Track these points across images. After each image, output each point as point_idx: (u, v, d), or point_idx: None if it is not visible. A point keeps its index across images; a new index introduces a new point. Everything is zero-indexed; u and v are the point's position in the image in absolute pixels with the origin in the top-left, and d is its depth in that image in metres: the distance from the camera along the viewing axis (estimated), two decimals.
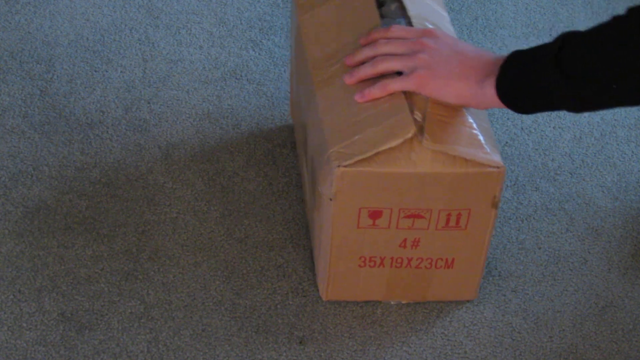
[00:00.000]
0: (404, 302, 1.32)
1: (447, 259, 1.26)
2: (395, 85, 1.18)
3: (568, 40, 1.08)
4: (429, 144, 1.15)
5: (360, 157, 1.15)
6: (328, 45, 1.28)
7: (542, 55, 1.10)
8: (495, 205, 1.20)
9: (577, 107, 1.11)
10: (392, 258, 1.25)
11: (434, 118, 1.17)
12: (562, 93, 1.08)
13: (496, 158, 1.17)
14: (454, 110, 1.18)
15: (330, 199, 1.18)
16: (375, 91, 1.19)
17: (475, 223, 1.21)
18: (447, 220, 1.21)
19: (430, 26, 1.26)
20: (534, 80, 1.11)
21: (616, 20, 1.04)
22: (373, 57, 1.21)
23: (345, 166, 1.15)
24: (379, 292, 1.30)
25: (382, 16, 1.28)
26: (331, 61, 1.26)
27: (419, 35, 1.20)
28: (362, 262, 1.26)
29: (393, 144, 1.15)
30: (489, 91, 1.14)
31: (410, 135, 1.15)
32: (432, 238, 1.23)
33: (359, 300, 1.32)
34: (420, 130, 1.16)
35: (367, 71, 1.21)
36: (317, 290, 1.34)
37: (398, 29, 1.22)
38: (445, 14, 1.34)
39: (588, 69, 1.06)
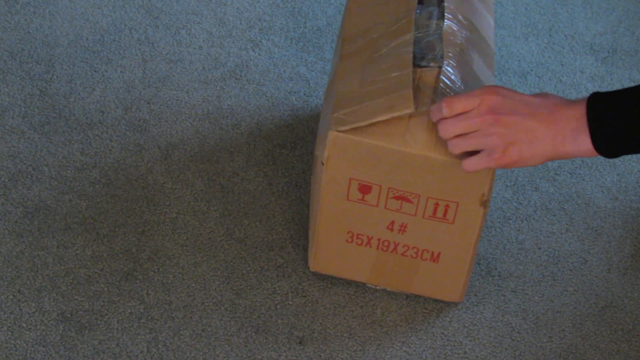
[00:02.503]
0: (388, 289, 1.32)
1: (432, 252, 1.26)
2: (481, 165, 1.13)
3: None
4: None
5: (355, 125, 1.16)
6: (364, 23, 1.30)
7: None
8: (483, 204, 1.20)
9: None
10: (379, 240, 1.26)
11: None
12: None
13: None
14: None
15: (323, 163, 1.20)
16: (466, 168, 1.14)
17: (463, 219, 1.22)
18: (435, 210, 1.21)
19: (462, 19, 1.26)
20: (637, 127, 1.05)
21: None
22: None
23: (339, 131, 1.17)
24: (364, 274, 1.31)
25: (420, 2, 1.28)
26: (360, 37, 1.28)
27: (479, 103, 1.11)
28: (350, 238, 1.27)
29: (389, 116, 1.16)
30: (584, 146, 1.08)
31: (408, 111, 1.15)
32: (419, 226, 1.23)
33: (344, 277, 1.32)
34: (428, 104, 1.17)
35: None
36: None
37: (455, 102, 1.12)
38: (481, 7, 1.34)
39: None
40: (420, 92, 1.19)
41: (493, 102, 1.10)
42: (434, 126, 1.16)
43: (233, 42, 1.65)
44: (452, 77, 1.20)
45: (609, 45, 1.69)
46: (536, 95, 1.12)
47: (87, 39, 1.64)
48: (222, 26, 1.68)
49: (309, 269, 1.34)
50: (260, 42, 1.65)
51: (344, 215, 1.25)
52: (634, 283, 1.37)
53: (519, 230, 1.42)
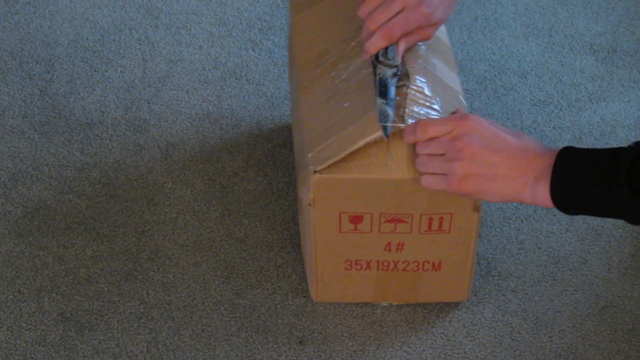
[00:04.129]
0: (394, 304, 1.32)
1: (433, 262, 1.25)
2: (436, 186, 1.12)
3: None
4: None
5: (332, 161, 1.15)
6: (314, 48, 1.28)
7: (610, 166, 1.02)
8: (477, 209, 1.19)
9: None
10: (378, 261, 1.25)
11: (413, 118, 1.16)
12: (630, 207, 1.01)
13: None
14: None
15: (309, 204, 1.18)
16: (424, 185, 1.14)
17: (459, 227, 1.21)
18: (430, 225, 1.20)
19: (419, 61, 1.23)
20: (596, 190, 1.02)
21: None
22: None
23: (320, 171, 1.15)
24: (368, 294, 1.30)
25: None
26: (316, 63, 1.26)
27: (452, 128, 1.10)
28: (349, 266, 1.26)
29: (362, 143, 1.14)
30: (541, 195, 1.06)
31: (379, 134, 1.13)
32: (417, 241, 1.22)
33: (349, 302, 1.32)
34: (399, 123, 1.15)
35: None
36: None
37: (430, 126, 1.12)
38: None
39: None
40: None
41: (465, 131, 1.09)
42: (413, 147, 1.15)
43: (233, 42, 1.65)
44: (425, 90, 1.18)
45: (609, 45, 1.69)
46: (513, 132, 1.10)
47: (87, 39, 1.64)
48: (222, 26, 1.68)
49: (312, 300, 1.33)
50: (260, 42, 1.65)
51: (339, 246, 1.23)
52: (634, 283, 1.37)
53: (519, 230, 1.42)
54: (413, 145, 1.15)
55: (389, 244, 1.23)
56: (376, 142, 1.14)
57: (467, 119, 1.10)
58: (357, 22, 1.23)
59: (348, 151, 1.14)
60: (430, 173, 1.13)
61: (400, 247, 1.23)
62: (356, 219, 1.20)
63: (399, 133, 1.14)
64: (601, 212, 1.06)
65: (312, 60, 1.27)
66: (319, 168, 1.15)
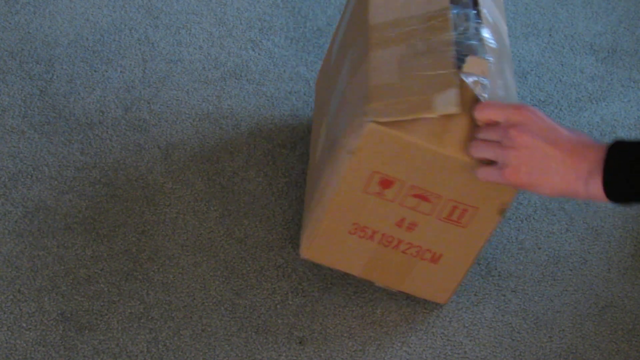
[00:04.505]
0: (376, 284, 1.32)
1: (434, 253, 1.25)
2: (490, 177, 1.13)
3: None
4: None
5: (396, 118, 1.14)
6: (392, 14, 1.27)
7: None
8: (501, 212, 1.19)
9: None
10: (383, 234, 1.25)
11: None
12: None
13: None
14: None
15: (350, 153, 1.18)
16: (479, 177, 1.15)
17: (477, 224, 1.21)
18: (451, 212, 1.21)
19: (494, 25, 1.24)
20: None
21: None
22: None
23: (379, 123, 1.14)
24: (358, 267, 1.30)
25: (454, 1, 1.26)
26: (391, 28, 1.25)
27: (509, 116, 1.11)
28: (354, 229, 1.25)
29: (433, 115, 1.13)
30: (594, 190, 1.06)
31: (452, 111, 1.13)
32: (430, 226, 1.22)
33: (335, 267, 1.31)
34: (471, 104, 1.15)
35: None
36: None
37: (487, 110, 1.13)
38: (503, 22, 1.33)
39: None
40: (463, 94, 1.17)
41: (523, 119, 1.10)
42: (472, 129, 1.15)
43: (233, 42, 1.65)
44: (494, 81, 1.18)
45: (609, 45, 1.70)
46: (567, 128, 1.11)
47: (87, 39, 1.64)
48: (222, 26, 1.68)
49: (299, 255, 1.34)
50: (260, 42, 1.65)
51: (355, 206, 1.22)
52: (634, 283, 1.37)
53: (519, 230, 1.42)
54: (472, 127, 1.15)
55: (403, 219, 1.23)
56: (441, 115, 1.14)
57: (524, 108, 1.11)
58: (439, 3, 1.24)
59: (416, 116, 1.13)
60: (483, 160, 1.13)
61: (412, 226, 1.23)
62: (386, 183, 1.19)
63: (464, 111, 1.15)
64: None
65: (387, 24, 1.25)
66: (379, 119, 1.14)
